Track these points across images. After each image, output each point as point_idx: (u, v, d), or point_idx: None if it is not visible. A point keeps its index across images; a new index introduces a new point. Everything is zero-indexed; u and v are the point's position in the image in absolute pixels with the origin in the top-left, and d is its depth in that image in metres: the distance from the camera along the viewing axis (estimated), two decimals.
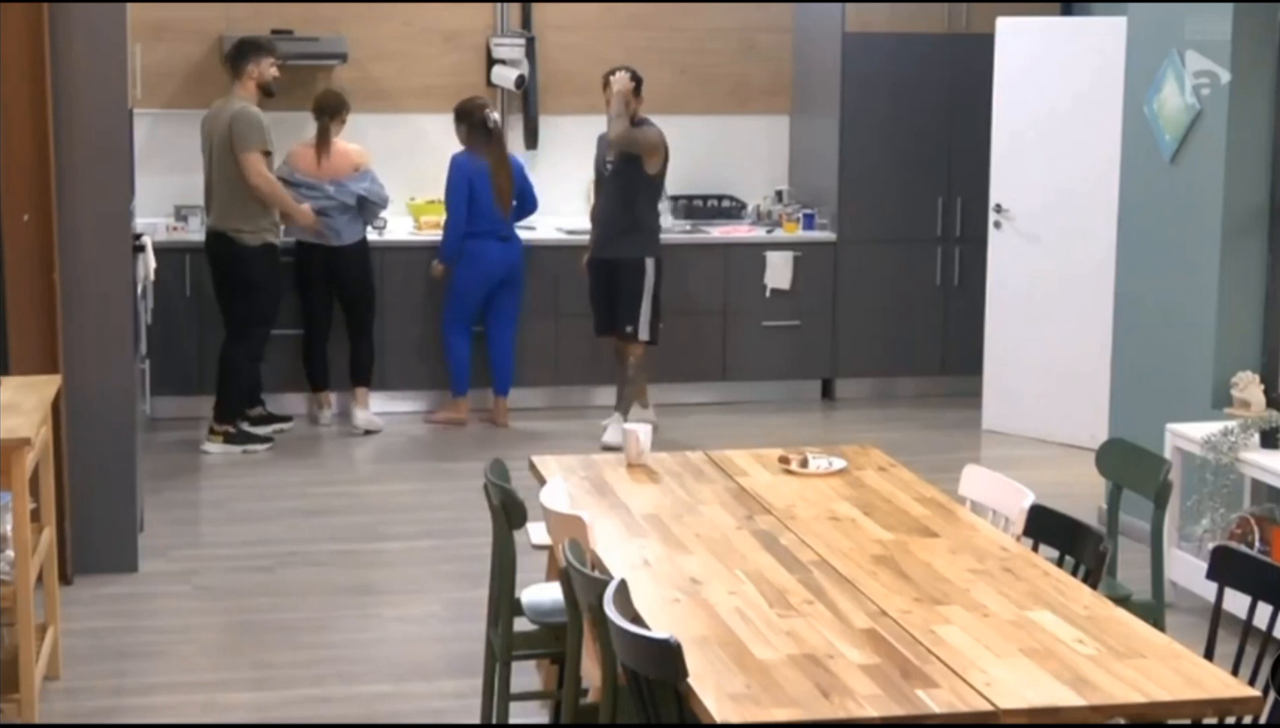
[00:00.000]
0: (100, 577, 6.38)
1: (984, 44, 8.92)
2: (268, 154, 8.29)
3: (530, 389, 9.08)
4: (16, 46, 6.15)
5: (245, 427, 8.45)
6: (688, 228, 9.52)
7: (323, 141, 8.54)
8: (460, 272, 8.74)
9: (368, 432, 8.68)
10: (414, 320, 9.01)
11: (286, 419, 8.71)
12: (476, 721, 5.06)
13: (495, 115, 8.70)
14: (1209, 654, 3.89)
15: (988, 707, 3.34)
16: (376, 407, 8.87)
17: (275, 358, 8.71)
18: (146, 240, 7.09)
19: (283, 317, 8.68)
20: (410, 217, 9.33)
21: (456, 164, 8.67)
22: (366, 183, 8.57)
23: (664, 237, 8.98)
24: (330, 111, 8.56)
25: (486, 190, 8.62)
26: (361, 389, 8.74)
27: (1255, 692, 3.47)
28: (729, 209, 9.74)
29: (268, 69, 8.38)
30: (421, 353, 9.03)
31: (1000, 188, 8.87)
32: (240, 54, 8.38)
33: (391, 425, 8.88)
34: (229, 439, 8.36)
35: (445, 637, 5.93)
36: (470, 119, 8.68)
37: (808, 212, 9.50)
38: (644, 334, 8.47)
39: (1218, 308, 6.63)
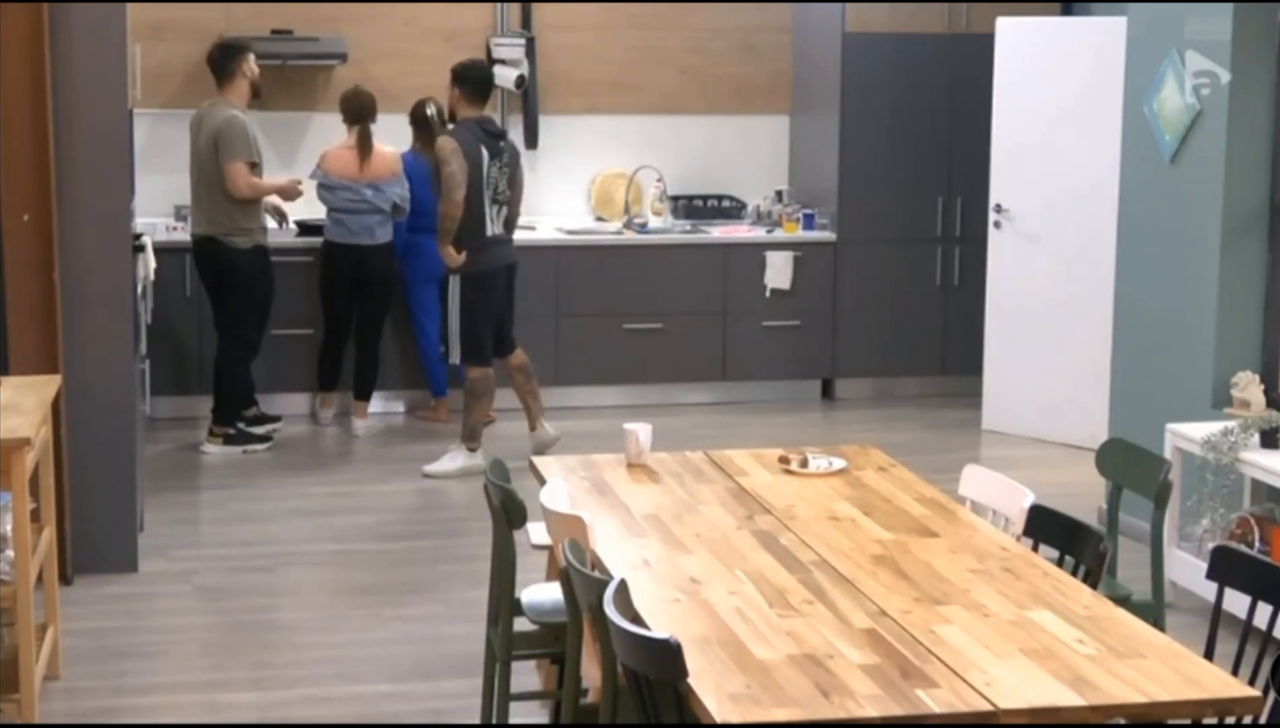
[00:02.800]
0: (100, 577, 6.38)
1: (984, 44, 8.92)
2: (254, 165, 8.24)
3: None
4: (16, 46, 6.14)
5: (244, 427, 8.45)
6: (688, 228, 9.52)
7: (366, 146, 8.48)
8: (408, 267, 8.81)
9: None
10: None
11: (276, 419, 8.68)
12: (476, 721, 5.06)
13: (433, 111, 8.68)
14: (1209, 654, 3.89)
15: (988, 707, 3.34)
16: (375, 407, 8.88)
17: (276, 357, 8.71)
18: (146, 240, 7.08)
19: (292, 316, 8.70)
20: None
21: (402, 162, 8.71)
22: (399, 188, 8.56)
23: (668, 238, 8.93)
24: (370, 115, 8.50)
25: (427, 188, 8.63)
26: (361, 403, 8.74)
27: (1255, 692, 3.47)
28: (729, 209, 9.73)
29: (254, 66, 8.33)
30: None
31: (1000, 188, 8.86)
32: (227, 56, 8.30)
33: (391, 426, 8.88)
34: (229, 440, 8.37)
35: (445, 637, 5.92)
36: (416, 118, 8.72)
37: (808, 212, 9.49)
38: (454, 357, 7.92)
39: (1218, 308, 6.62)
